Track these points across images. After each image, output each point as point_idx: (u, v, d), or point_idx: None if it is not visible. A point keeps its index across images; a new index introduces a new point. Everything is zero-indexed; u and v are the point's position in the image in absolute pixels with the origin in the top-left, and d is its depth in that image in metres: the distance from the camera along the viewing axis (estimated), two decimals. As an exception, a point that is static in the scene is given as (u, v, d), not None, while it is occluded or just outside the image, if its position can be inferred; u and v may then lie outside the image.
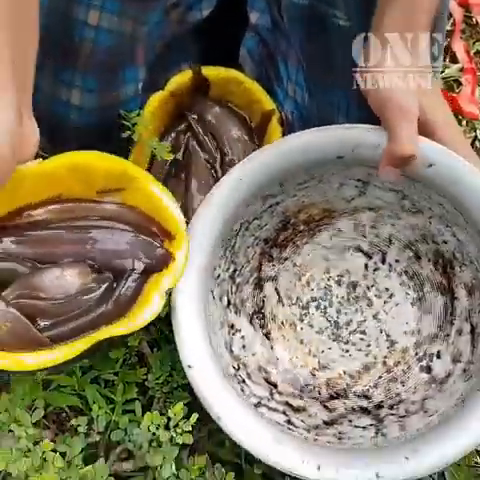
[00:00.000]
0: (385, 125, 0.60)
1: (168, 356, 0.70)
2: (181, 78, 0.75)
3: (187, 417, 0.62)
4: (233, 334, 0.71)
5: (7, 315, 0.55)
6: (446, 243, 0.69)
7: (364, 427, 0.67)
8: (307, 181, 0.68)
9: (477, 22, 0.99)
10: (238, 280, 0.72)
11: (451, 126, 0.64)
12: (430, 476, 0.69)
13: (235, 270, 0.71)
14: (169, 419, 0.60)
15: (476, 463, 0.71)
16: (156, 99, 0.73)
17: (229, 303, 0.71)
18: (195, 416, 0.61)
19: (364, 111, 0.64)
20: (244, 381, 0.68)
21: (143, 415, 0.65)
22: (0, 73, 0.50)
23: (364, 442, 0.65)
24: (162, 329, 0.73)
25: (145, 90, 0.73)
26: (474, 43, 0.98)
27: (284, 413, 0.68)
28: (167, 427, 0.61)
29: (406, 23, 0.61)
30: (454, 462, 0.59)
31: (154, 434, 0.63)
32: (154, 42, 0.71)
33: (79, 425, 0.65)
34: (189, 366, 0.60)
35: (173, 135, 0.78)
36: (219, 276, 0.68)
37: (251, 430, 0.61)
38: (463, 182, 0.61)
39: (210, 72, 0.75)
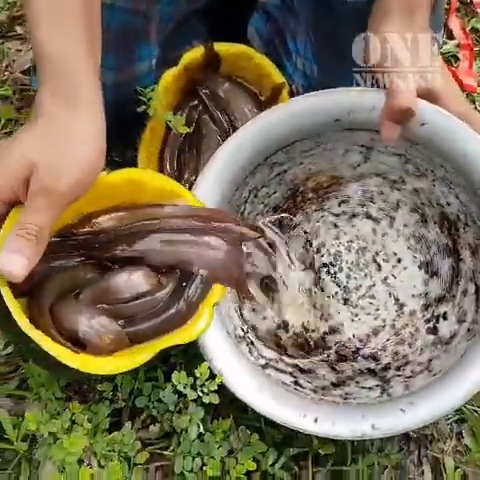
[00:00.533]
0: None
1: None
2: (193, 54, 0.76)
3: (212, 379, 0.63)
4: (243, 297, 0.72)
5: (109, 327, 0.58)
6: (450, 205, 0.70)
7: (370, 388, 0.69)
8: (312, 148, 0.70)
9: (471, 0, 1.02)
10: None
11: (455, 93, 0.65)
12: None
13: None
14: (195, 379, 0.62)
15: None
16: (170, 75, 0.75)
17: (240, 267, 0.73)
18: (221, 377, 0.62)
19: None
20: (253, 343, 0.70)
21: (165, 382, 0.67)
22: (90, 87, 0.53)
23: (369, 401, 0.67)
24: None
25: (158, 67, 0.75)
26: (469, 20, 1.00)
27: (291, 374, 0.70)
28: (193, 387, 0.62)
29: (409, 5, 0.62)
30: (450, 413, 0.62)
31: (179, 397, 0.65)
32: (166, 20, 0.73)
33: (104, 391, 0.66)
34: None
35: (185, 110, 0.79)
36: None
37: (250, 384, 0.63)
38: (456, 139, 0.62)
39: (221, 48, 0.77)
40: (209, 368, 0.62)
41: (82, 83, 0.53)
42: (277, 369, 0.70)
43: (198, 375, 0.61)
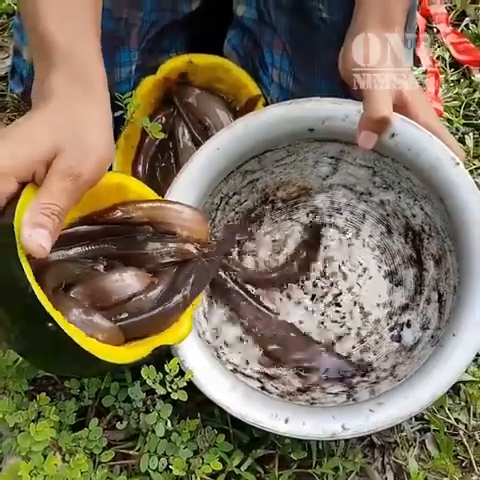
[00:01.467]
0: (363, 92, 0.63)
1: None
2: (172, 64, 0.78)
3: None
4: (211, 303, 0.73)
5: (102, 325, 0.56)
6: (415, 217, 0.73)
7: (336, 393, 0.70)
8: (284, 158, 0.71)
9: (437, 30, 1.07)
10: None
11: (422, 100, 0.67)
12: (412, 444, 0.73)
13: (217, 244, 0.74)
14: (164, 375, 0.62)
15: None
16: (148, 83, 0.77)
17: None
18: (191, 372, 0.62)
19: (347, 94, 0.68)
20: (221, 347, 0.71)
21: (133, 381, 0.67)
22: (101, 75, 0.54)
23: (335, 406, 0.67)
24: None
25: (137, 73, 0.76)
26: (435, 49, 1.05)
27: (258, 380, 0.70)
28: (162, 383, 0.62)
29: (384, 21, 0.65)
30: (418, 413, 0.62)
31: (147, 395, 0.65)
32: (147, 28, 0.75)
33: (71, 388, 0.66)
34: None
35: (161, 118, 0.81)
36: None
37: (221, 385, 0.64)
38: (424, 150, 0.64)
39: (198, 59, 0.79)
40: (179, 364, 0.63)
41: (96, 70, 0.54)
42: (245, 375, 0.70)
43: (168, 371, 0.61)
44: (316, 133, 0.67)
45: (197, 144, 0.79)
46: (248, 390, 0.66)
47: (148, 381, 0.61)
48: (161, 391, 0.61)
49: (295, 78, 0.77)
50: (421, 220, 0.72)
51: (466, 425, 0.75)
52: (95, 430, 0.64)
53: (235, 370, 0.70)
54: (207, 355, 0.67)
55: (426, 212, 0.71)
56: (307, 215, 0.78)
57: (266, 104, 0.80)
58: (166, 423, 0.63)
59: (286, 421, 0.63)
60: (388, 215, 0.75)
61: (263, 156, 0.70)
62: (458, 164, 0.63)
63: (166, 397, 0.63)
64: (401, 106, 0.64)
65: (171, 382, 0.62)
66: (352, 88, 0.67)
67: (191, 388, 0.64)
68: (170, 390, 0.61)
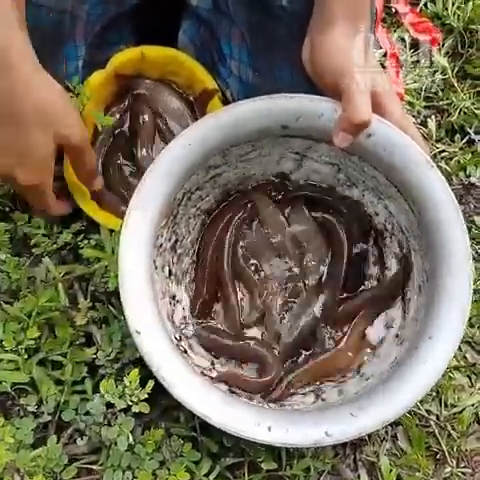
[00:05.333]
0: (343, 93, 0.61)
1: (118, 332, 0.69)
2: (122, 57, 0.76)
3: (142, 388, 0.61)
4: (174, 305, 0.71)
5: None
6: (378, 215, 0.72)
7: (304, 394, 0.69)
8: (249, 152, 0.69)
9: (396, 11, 1.04)
10: (179, 251, 0.72)
11: (395, 101, 0.66)
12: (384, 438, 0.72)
13: (176, 240, 0.72)
14: (124, 389, 0.59)
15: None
16: (99, 76, 0.74)
17: (170, 273, 0.71)
18: (151, 384, 0.60)
19: (308, 85, 0.67)
20: (186, 352, 0.69)
21: (93, 394, 0.65)
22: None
23: (305, 407, 0.66)
24: (111, 304, 0.73)
25: (85, 68, 0.73)
26: (395, 31, 1.03)
27: (226, 382, 0.68)
28: (122, 398, 0.60)
29: (351, 18, 0.64)
30: (399, 417, 0.61)
31: (108, 408, 0.63)
32: (94, 21, 0.72)
33: (28, 404, 0.64)
34: (137, 332, 0.59)
35: (114, 114, 0.79)
36: (161, 245, 0.69)
37: (201, 394, 0.60)
38: (399, 151, 0.63)
39: (150, 51, 0.76)
40: (139, 376, 0.60)
41: None
42: (212, 378, 0.68)
43: (127, 383, 0.59)
44: (288, 130, 0.65)
45: (152, 139, 0.78)
46: (223, 396, 0.63)
47: (107, 396, 0.58)
48: (121, 405, 0.58)
49: (254, 70, 0.75)
50: (384, 218, 0.72)
51: (437, 416, 0.75)
52: (54, 448, 0.61)
53: (202, 374, 0.68)
54: (183, 363, 0.63)
55: (390, 211, 0.70)
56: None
57: (224, 97, 0.78)
58: (128, 437, 0.61)
59: (269, 429, 0.60)
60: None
61: (228, 151, 0.68)
62: (433, 166, 0.63)
63: (129, 408, 0.61)
64: (375, 105, 0.62)
65: (131, 394, 0.59)
66: (319, 84, 0.65)
67: (156, 393, 0.61)
68: (130, 403, 0.59)
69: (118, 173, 0.79)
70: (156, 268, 0.68)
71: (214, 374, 0.69)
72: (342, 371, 0.69)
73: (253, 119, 0.64)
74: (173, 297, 0.71)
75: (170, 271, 0.71)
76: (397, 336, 0.69)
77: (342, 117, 0.61)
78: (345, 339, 0.71)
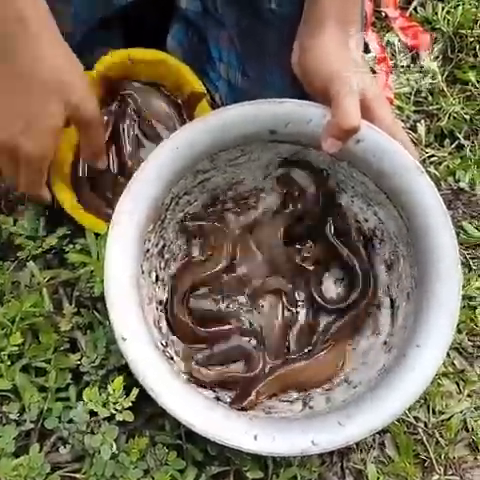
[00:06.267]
0: (332, 98, 0.60)
1: (103, 338, 0.68)
2: (109, 60, 0.75)
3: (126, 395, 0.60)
4: (161, 311, 0.70)
5: None
6: (367, 221, 0.71)
7: (291, 401, 0.68)
8: (238, 157, 0.68)
9: (386, 15, 1.04)
10: (167, 256, 0.72)
11: (385, 106, 0.66)
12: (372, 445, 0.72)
13: (164, 246, 0.71)
14: (108, 397, 0.59)
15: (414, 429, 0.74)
16: None
17: (157, 279, 0.70)
18: (135, 392, 0.59)
19: (297, 90, 0.66)
20: (172, 358, 0.68)
21: (77, 401, 0.64)
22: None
23: (293, 415, 0.66)
24: (96, 310, 0.72)
25: None
26: (384, 35, 1.03)
27: (212, 390, 0.68)
28: (106, 406, 0.59)
29: (341, 22, 0.63)
30: (387, 425, 0.60)
31: (91, 416, 0.62)
32: (79, 23, 0.71)
33: (10, 412, 0.63)
34: (122, 338, 0.58)
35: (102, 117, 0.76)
36: (148, 250, 0.68)
37: (185, 402, 0.60)
38: (388, 157, 0.63)
39: (138, 54, 0.75)
40: (124, 383, 0.59)
41: None
42: (197, 385, 0.67)
43: (111, 391, 0.58)
44: (277, 135, 0.65)
45: (141, 141, 0.77)
46: (208, 404, 0.63)
47: (90, 404, 0.57)
48: (104, 413, 0.57)
49: (244, 73, 0.74)
50: (373, 225, 0.71)
51: (425, 423, 0.74)
52: (36, 456, 0.60)
53: (188, 380, 0.67)
54: (169, 371, 0.62)
55: (379, 217, 0.70)
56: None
57: (213, 101, 0.77)
58: (111, 446, 0.60)
59: (255, 438, 0.59)
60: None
61: (216, 155, 0.67)
62: (422, 172, 0.62)
63: (113, 416, 0.60)
64: (364, 110, 0.62)
65: (115, 403, 0.58)
66: (308, 89, 0.65)
67: (141, 401, 0.61)
68: (114, 411, 0.58)
69: (104, 177, 0.78)
70: (143, 273, 0.67)
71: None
72: (311, 384, 0.69)
73: (241, 123, 0.63)
74: (160, 303, 0.70)
75: (157, 276, 0.70)
76: (385, 343, 0.68)
77: (331, 122, 0.61)
78: (319, 352, 0.71)
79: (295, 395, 0.68)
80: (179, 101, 0.79)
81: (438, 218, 0.62)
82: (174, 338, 0.70)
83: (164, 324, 0.70)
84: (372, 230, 0.71)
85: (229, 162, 0.69)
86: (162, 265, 0.71)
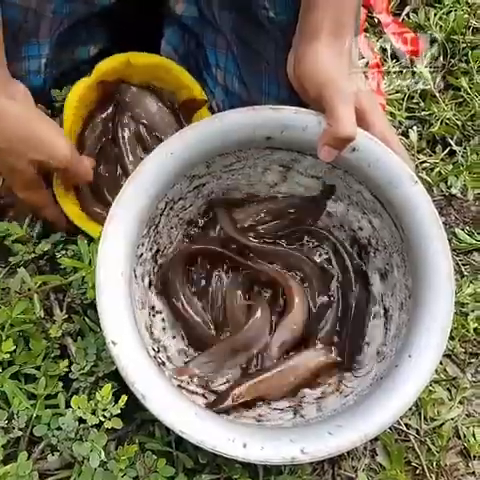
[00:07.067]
0: (327, 107, 0.60)
1: (93, 345, 0.68)
2: (108, 64, 0.74)
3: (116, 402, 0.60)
4: (153, 316, 0.70)
5: None
6: (362, 230, 0.72)
7: (282, 409, 0.68)
8: (233, 163, 0.68)
9: (378, 21, 1.04)
10: (160, 261, 0.71)
11: (379, 113, 0.66)
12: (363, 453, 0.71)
13: (158, 250, 0.71)
14: (97, 404, 0.58)
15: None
16: (82, 85, 0.73)
17: (150, 284, 0.70)
18: (124, 399, 0.58)
19: (294, 98, 0.66)
20: (164, 364, 0.67)
21: (66, 408, 0.63)
22: None
23: (284, 423, 0.65)
24: (87, 316, 0.71)
25: (49, 67, 0.72)
26: (377, 40, 1.03)
27: (203, 396, 0.67)
28: (95, 413, 0.59)
29: (337, 31, 0.63)
30: (378, 434, 0.60)
31: (80, 423, 0.61)
32: (60, 20, 0.70)
33: (-2, 419, 0.62)
34: (113, 342, 0.57)
35: (100, 121, 0.77)
36: (142, 255, 0.67)
37: (175, 409, 0.59)
38: (383, 166, 0.63)
39: (137, 59, 0.75)
40: (113, 390, 0.59)
41: None
42: (189, 391, 0.67)
43: (99, 398, 0.57)
44: (273, 142, 0.65)
45: (141, 145, 0.77)
46: (198, 411, 0.62)
47: (78, 412, 0.57)
48: (93, 421, 0.57)
49: (241, 80, 0.74)
50: (368, 234, 0.71)
51: (417, 430, 0.74)
52: (24, 464, 0.60)
53: (179, 386, 0.66)
54: (159, 376, 0.61)
55: (374, 226, 0.70)
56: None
57: (210, 108, 0.77)
58: (100, 454, 0.59)
59: (244, 446, 0.58)
60: (334, 226, 0.74)
61: (212, 161, 0.67)
62: (417, 182, 0.62)
63: (101, 424, 0.59)
64: (359, 117, 0.62)
65: (104, 410, 0.58)
66: (304, 98, 0.65)
67: (131, 407, 0.61)
68: (103, 419, 0.58)
69: (105, 182, 0.78)
70: (136, 278, 0.67)
71: (192, 387, 0.67)
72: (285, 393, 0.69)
73: (237, 130, 0.63)
74: (152, 308, 0.70)
75: (150, 281, 0.70)
76: (378, 353, 0.68)
77: (327, 131, 0.61)
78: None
79: (286, 403, 0.68)
80: (176, 105, 0.78)
81: (432, 229, 0.62)
82: (166, 343, 0.69)
83: (157, 329, 0.69)
84: (367, 239, 0.71)
85: (224, 168, 0.69)
86: (155, 270, 0.71)
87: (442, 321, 0.60)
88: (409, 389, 0.60)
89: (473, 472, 0.73)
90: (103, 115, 0.78)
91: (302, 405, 0.67)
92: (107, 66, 0.75)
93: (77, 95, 0.73)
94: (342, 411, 0.63)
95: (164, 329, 0.71)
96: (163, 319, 0.71)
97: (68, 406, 0.63)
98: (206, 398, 0.67)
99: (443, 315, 0.61)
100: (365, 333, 0.71)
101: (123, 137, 0.77)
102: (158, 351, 0.68)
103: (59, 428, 0.63)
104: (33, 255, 0.74)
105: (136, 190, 0.62)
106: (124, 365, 0.58)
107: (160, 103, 0.78)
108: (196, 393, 0.67)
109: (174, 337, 0.71)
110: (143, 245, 0.67)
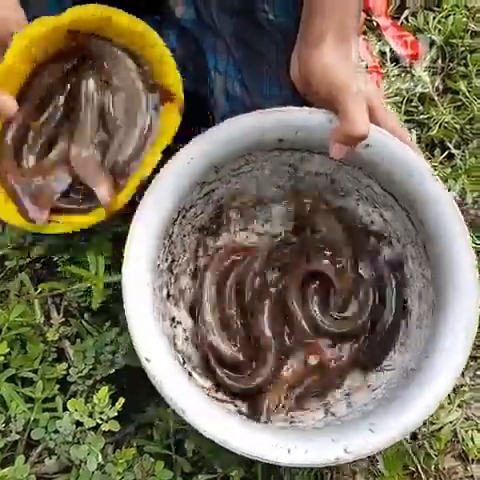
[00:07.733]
0: (340, 108, 0.61)
1: (92, 348, 0.68)
2: (83, 11, 0.66)
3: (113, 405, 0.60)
4: (175, 327, 0.69)
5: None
6: (373, 223, 0.71)
7: (313, 410, 0.67)
8: (242, 166, 0.68)
9: (377, 24, 1.04)
10: (176, 271, 0.70)
11: (389, 110, 0.66)
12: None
13: (173, 260, 0.70)
14: (94, 407, 0.58)
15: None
16: (40, 29, 0.65)
17: (169, 295, 0.69)
18: (121, 401, 0.58)
19: (297, 98, 0.66)
20: (191, 374, 0.66)
21: (64, 411, 0.63)
22: None
23: (316, 423, 0.65)
24: (86, 320, 0.71)
25: None
26: (376, 43, 1.03)
27: (233, 403, 0.67)
28: (92, 416, 0.59)
29: (341, 35, 0.63)
30: (415, 429, 0.59)
31: (77, 427, 0.61)
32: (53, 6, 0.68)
33: (-4, 423, 0.62)
34: (147, 359, 0.57)
35: (56, 71, 0.70)
36: (159, 266, 0.66)
37: (217, 420, 0.58)
38: (398, 161, 0.63)
39: (120, 19, 0.68)
40: (111, 392, 0.59)
41: None
42: (218, 399, 0.66)
43: (96, 401, 0.57)
44: (284, 143, 0.65)
45: (101, 117, 0.71)
46: (239, 420, 0.61)
47: (75, 415, 0.56)
48: (90, 424, 0.57)
49: (242, 83, 0.73)
50: (380, 227, 0.71)
51: (415, 433, 0.74)
52: (21, 468, 0.60)
53: (208, 396, 0.65)
54: (196, 390, 0.61)
55: (385, 219, 0.70)
56: (262, 225, 0.75)
57: (209, 110, 0.75)
58: (97, 456, 0.59)
59: (289, 451, 0.58)
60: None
61: (220, 166, 0.67)
62: (437, 178, 0.62)
63: (98, 426, 0.59)
64: (369, 112, 0.62)
65: (101, 412, 0.58)
66: (312, 99, 0.65)
67: (129, 411, 0.61)
68: (100, 421, 0.57)
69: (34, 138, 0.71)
70: (154, 290, 0.65)
71: (220, 395, 0.67)
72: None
73: (249, 134, 0.63)
74: (173, 319, 0.69)
75: (168, 292, 0.69)
76: (401, 344, 0.68)
77: (339, 130, 0.61)
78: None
79: (315, 403, 0.68)
80: (151, 82, 0.70)
81: (455, 226, 0.62)
82: (191, 353, 0.69)
83: (180, 340, 0.69)
84: (379, 232, 0.71)
85: (233, 172, 0.69)
86: (172, 280, 0.70)
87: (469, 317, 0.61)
88: (442, 382, 0.60)
89: (471, 476, 0.73)
90: (66, 67, 0.71)
91: (331, 403, 0.67)
92: (81, 14, 0.66)
93: (30, 40, 0.66)
94: (373, 407, 0.63)
95: (186, 339, 0.70)
96: (184, 330, 0.70)
97: (65, 409, 0.63)
98: (236, 405, 0.67)
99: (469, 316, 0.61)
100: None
101: (85, 95, 0.71)
102: (184, 362, 0.67)
103: (56, 431, 0.63)
104: (28, 260, 0.74)
105: (157, 202, 0.62)
106: (159, 380, 0.57)
107: (134, 72, 0.71)
108: (226, 401, 0.67)
109: (197, 346, 0.70)
110: (159, 257, 0.66)
